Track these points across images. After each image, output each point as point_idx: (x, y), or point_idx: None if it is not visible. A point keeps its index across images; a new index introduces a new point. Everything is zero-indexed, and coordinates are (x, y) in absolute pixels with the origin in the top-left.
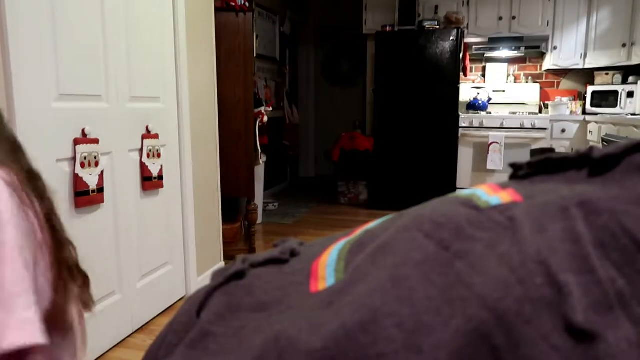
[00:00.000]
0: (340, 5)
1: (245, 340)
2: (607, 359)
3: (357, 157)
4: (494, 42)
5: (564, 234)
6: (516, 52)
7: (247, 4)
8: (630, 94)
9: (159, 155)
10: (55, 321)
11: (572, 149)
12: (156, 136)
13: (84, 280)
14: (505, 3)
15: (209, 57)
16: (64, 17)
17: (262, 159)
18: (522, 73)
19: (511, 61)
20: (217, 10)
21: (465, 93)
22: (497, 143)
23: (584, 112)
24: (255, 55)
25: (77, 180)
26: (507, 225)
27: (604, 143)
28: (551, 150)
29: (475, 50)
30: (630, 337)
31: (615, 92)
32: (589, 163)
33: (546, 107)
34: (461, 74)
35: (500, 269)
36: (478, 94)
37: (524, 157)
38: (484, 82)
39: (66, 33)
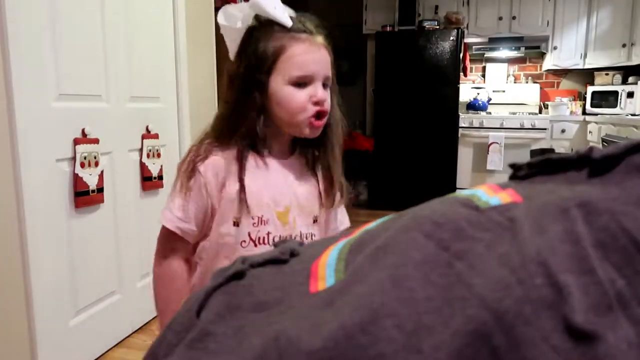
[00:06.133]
0: (340, 5)
1: (245, 340)
2: None
3: (357, 157)
4: (494, 42)
5: (564, 234)
6: (516, 52)
7: None
8: (630, 94)
9: (158, 155)
10: None
11: (572, 150)
12: (156, 136)
13: None
14: (505, 3)
15: (209, 57)
16: (64, 17)
17: None
18: (522, 73)
19: (511, 61)
20: (217, 10)
21: (465, 93)
22: (497, 143)
23: (584, 113)
24: None
25: (77, 180)
26: (507, 226)
27: (604, 143)
28: (551, 150)
29: (475, 50)
30: (630, 337)
31: (615, 93)
32: (589, 163)
33: (546, 107)
34: (461, 74)
35: (500, 269)
36: (478, 94)
37: (523, 157)
38: (484, 82)
39: (66, 33)
